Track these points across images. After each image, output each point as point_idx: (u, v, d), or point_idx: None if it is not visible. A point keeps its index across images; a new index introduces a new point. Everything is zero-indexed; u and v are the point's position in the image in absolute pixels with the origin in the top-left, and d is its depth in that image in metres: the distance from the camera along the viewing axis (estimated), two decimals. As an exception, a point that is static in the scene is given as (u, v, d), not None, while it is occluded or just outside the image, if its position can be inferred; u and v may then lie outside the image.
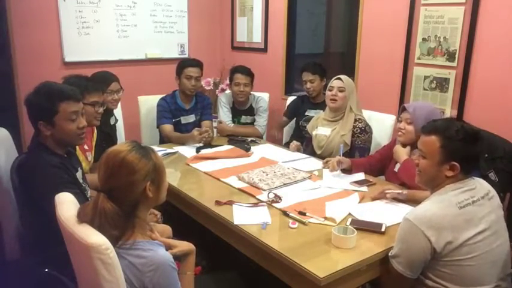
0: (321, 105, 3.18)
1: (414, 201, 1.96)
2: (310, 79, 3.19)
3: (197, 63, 3.21)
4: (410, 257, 1.54)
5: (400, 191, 2.00)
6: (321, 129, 2.81)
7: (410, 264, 1.54)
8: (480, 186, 1.62)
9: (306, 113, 3.30)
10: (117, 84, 2.77)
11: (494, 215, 1.58)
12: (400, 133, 2.26)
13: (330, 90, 2.73)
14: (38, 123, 1.76)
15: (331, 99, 2.73)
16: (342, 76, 2.75)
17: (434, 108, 2.26)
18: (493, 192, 1.65)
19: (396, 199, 2.01)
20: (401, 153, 2.24)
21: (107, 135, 2.75)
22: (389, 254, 1.59)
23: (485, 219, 1.55)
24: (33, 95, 1.77)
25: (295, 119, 3.44)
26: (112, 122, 2.87)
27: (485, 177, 2.05)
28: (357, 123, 2.69)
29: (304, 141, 3.01)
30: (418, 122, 2.14)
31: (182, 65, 3.20)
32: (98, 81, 2.53)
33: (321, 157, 2.73)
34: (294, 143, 2.94)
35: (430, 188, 1.68)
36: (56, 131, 1.78)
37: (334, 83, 2.73)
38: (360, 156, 2.65)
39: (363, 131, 2.68)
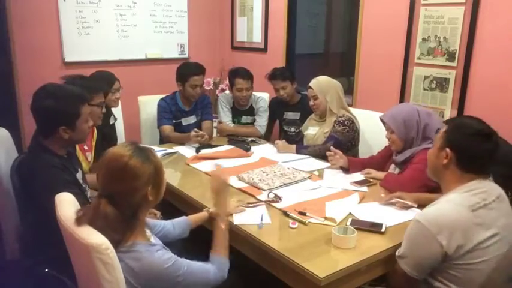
0: (297, 106, 3.29)
1: (421, 204, 1.95)
2: (282, 86, 3.20)
3: (201, 71, 3.15)
4: (418, 258, 1.51)
5: (410, 203, 1.94)
6: (311, 128, 2.94)
7: (418, 266, 1.52)
8: (491, 188, 1.57)
9: (284, 116, 3.34)
10: (118, 83, 2.82)
11: (504, 219, 1.53)
12: (390, 143, 2.30)
13: (309, 100, 2.86)
14: (59, 129, 1.74)
15: (312, 108, 2.87)
16: (312, 83, 2.83)
17: (412, 109, 2.22)
18: (503, 195, 1.59)
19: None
20: (378, 174, 2.33)
21: (107, 135, 2.76)
22: (397, 253, 1.57)
23: (496, 223, 1.50)
24: (51, 101, 1.72)
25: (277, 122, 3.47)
26: (111, 122, 2.88)
27: None
28: (338, 117, 2.76)
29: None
30: (399, 128, 2.18)
31: (187, 73, 3.11)
32: (100, 80, 2.55)
33: None
34: (279, 142, 2.93)
35: (438, 180, 1.68)
36: (75, 134, 1.78)
37: (308, 92, 2.85)
38: (326, 143, 2.69)
39: (339, 123, 2.73)
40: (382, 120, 2.30)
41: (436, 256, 1.48)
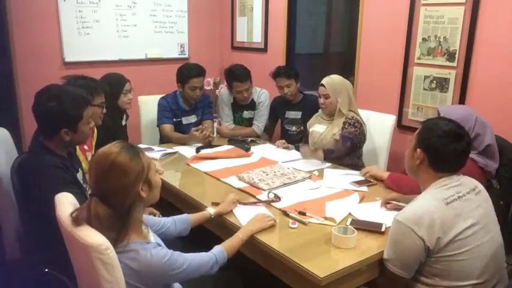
0: (299, 105, 3.26)
1: None
2: (287, 84, 3.17)
3: (202, 73, 3.14)
4: (404, 257, 1.54)
5: (401, 204, 1.92)
6: (318, 126, 2.86)
7: (405, 265, 1.55)
8: (465, 181, 1.64)
9: (286, 115, 3.32)
10: (129, 85, 2.83)
11: (482, 209, 1.60)
12: None
13: (319, 97, 2.77)
14: (61, 131, 1.74)
15: (321, 106, 2.79)
16: (324, 81, 2.72)
17: (470, 114, 2.06)
18: (480, 187, 1.67)
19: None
20: (380, 172, 2.33)
21: (117, 137, 2.75)
22: (383, 257, 1.59)
23: (473, 213, 1.56)
24: (54, 104, 1.72)
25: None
26: (124, 123, 2.88)
27: (487, 186, 1.99)
28: (347, 119, 2.69)
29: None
30: None
31: (187, 75, 3.10)
32: (113, 83, 2.62)
33: None
34: (306, 148, 2.85)
35: (416, 179, 1.72)
36: (77, 136, 1.78)
37: (319, 90, 2.75)
38: (345, 145, 2.66)
39: (351, 125, 2.67)
40: (438, 113, 2.17)
41: (420, 252, 1.52)
